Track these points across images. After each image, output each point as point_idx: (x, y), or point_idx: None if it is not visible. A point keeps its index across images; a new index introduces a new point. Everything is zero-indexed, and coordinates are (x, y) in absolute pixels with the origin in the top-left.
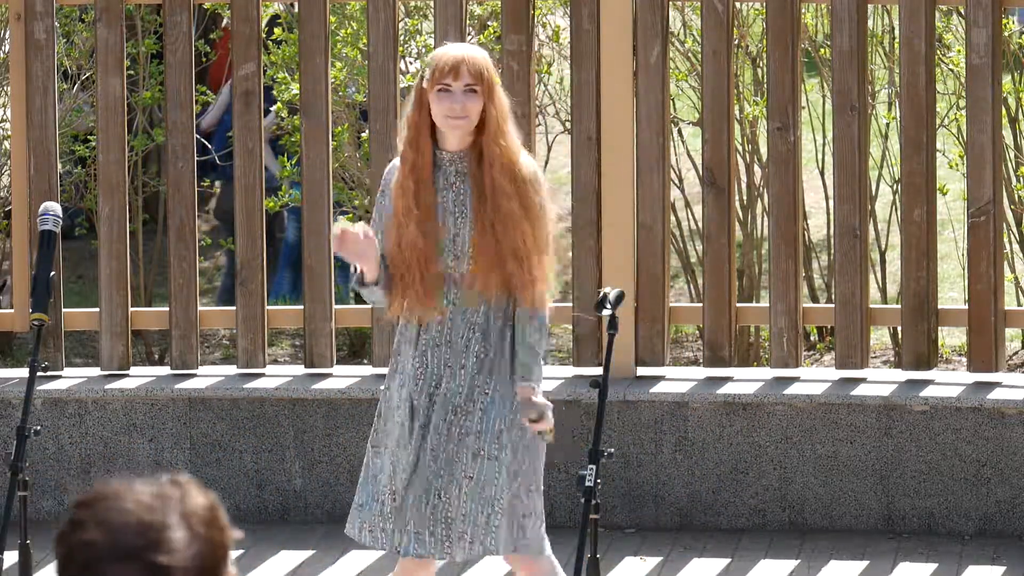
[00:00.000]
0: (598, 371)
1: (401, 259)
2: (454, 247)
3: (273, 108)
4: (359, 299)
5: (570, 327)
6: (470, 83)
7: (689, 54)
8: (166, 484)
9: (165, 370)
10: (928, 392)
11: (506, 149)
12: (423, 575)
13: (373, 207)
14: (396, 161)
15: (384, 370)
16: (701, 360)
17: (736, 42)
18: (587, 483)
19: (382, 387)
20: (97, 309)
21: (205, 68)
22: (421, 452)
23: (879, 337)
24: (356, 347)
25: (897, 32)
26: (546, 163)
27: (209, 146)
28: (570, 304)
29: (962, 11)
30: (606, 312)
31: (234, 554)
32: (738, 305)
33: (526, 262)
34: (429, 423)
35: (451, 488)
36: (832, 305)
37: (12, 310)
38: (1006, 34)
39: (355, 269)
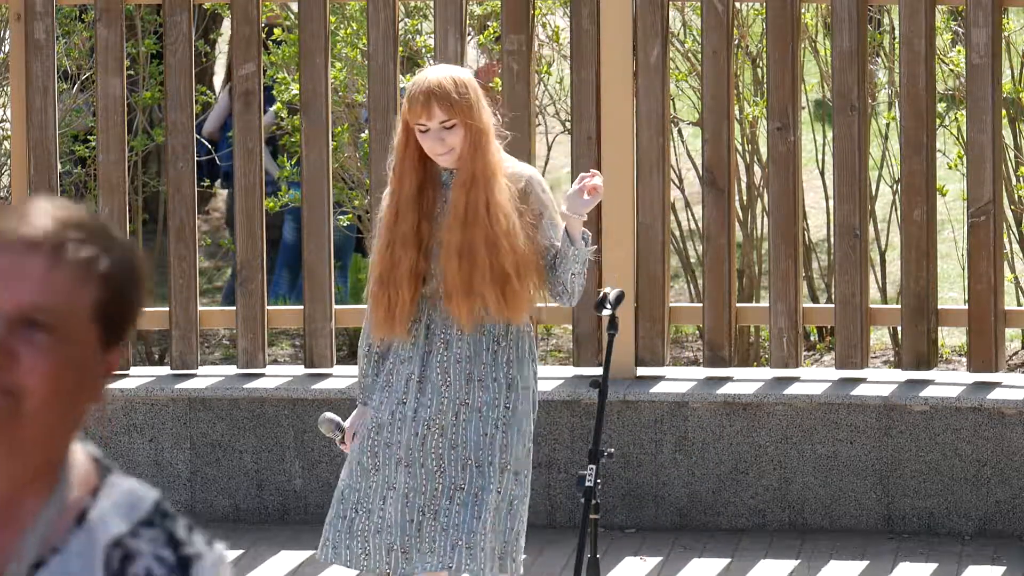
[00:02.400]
0: (598, 371)
1: (381, 281)
2: (438, 268)
3: (272, 108)
4: (359, 299)
5: (570, 327)
6: (444, 120)
7: (689, 54)
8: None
9: (165, 370)
10: (928, 392)
11: (481, 170)
12: None
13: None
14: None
15: None
16: (701, 360)
17: (736, 42)
18: (587, 483)
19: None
20: None
21: (205, 68)
22: (409, 469)
23: (879, 337)
24: (356, 347)
25: (897, 32)
26: (546, 163)
27: (211, 149)
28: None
29: (962, 11)
30: (606, 312)
31: (234, 554)
32: (738, 305)
33: (505, 284)
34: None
35: (439, 500)
36: (832, 305)
37: None
38: (1005, 34)
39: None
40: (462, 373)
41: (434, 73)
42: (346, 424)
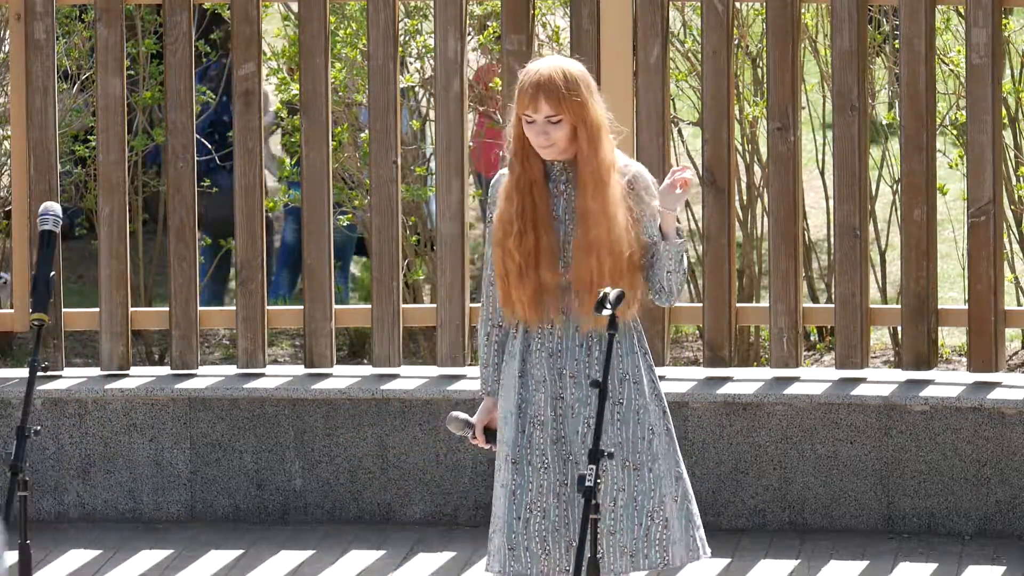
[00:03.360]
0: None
1: (504, 266)
2: (564, 254)
3: (272, 108)
4: (358, 299)
5: None
6: (550, 115)
7: (689, 54)
8: None
9: (165, 370)
10: (928, 392)
11: (598, 169)
12: None
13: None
14: (504, 170)
15: (384, 370)
16: (701, 360)
17: (736, 42)
18: (587, 483)
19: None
20: (97, 309)
21: (205, 68)
22: (516, 466)
23: (879, 337)
24: (356, 347)
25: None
26: None
27: (211, 150)
28: None
29: (962, 11)
30: (606, 312)
31: (234, 554)
32: (738, 305)
33: (617, 283)
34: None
35: (545, 498)
36: (832, 305)
37: (12, 310)
38: (1006, 34)
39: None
40: (553, 368)
41: (545, 65)
42: (474, 419)
